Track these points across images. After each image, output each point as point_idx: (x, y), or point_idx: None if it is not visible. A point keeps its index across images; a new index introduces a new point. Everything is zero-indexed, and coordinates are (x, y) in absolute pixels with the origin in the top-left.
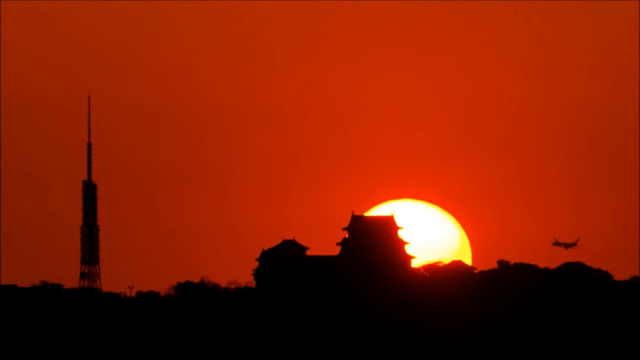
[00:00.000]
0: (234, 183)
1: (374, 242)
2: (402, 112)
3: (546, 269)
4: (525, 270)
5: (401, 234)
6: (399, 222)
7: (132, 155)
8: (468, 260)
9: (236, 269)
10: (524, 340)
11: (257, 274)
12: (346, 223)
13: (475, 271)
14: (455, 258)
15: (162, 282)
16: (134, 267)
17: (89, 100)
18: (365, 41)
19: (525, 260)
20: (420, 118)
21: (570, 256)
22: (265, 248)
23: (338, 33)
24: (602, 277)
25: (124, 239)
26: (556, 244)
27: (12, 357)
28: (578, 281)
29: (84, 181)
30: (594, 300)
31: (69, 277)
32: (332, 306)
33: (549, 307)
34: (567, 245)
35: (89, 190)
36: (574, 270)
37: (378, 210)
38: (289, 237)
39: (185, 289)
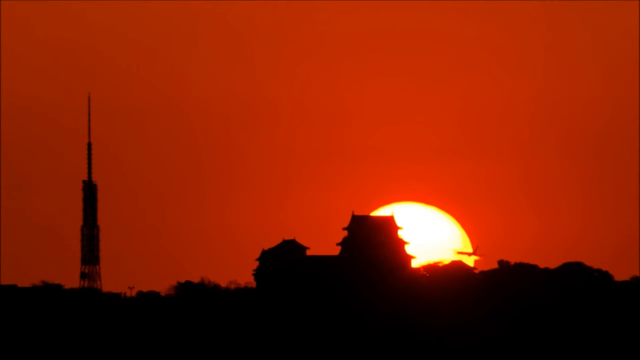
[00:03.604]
0: (234, 183)
1: (374, 242)
2: (402, 113)
3: (546, 269)
4: (525, 270)
5: (401, 234)
6: (399, 222)
7: (132, 155)
8: (470, 261)
9: (236, 269)
10: (524, 340)
11: (257, 274)
12: (346, 223)
13: (475, 271)
14: (457, 259)
15: (162, 282)
16: (134, 267)
17: (89, 100)
18: (365, 41)
19: (525, 260)
20: (420, 118)
21: (571, 256)
22: (265, 248)
23: (339, 33)
24: (602, 277)
25: (124, 239)
26: (459, 252)
27: (12, 357)
28: (578, 281)
29: (84, 181)
30: (594, 300)
31: (69, 277)
32: (332, 306)
33: (549, 307)
34: (470, 254)
35: (89, 190)
36: (574, 270)
37: (378, 212)
38: (289, 237)
39: (185, 289)
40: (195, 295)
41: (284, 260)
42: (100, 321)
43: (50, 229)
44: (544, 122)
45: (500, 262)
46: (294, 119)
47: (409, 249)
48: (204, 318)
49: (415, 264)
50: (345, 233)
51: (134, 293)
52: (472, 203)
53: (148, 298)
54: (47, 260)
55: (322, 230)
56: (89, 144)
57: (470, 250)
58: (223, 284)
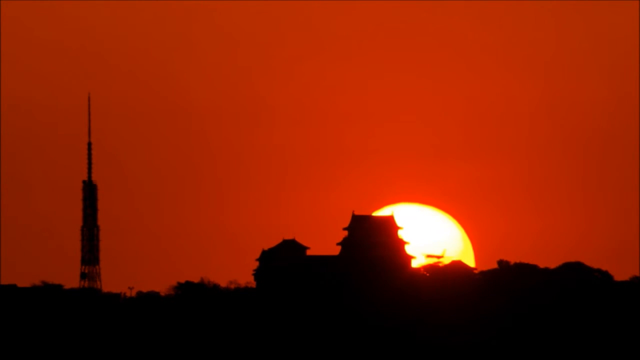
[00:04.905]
0: (234, 183)
1: (374, 242)
2: (402, 113)
3: (546, 269)
4: (525, 270)
5: (401, 234)
6: (399, 222)
7: (132, 155)
8: (471, 261)
9: (236, 269)
10: (524, 340)
11: (257, 274)
12: (346, 223)
13: (475, 271)
14: (457, 259)
15: (162, 282)
16: (134, 267)
17: (89, 100)
18: (365, 41)
19: (525, 260)
20: (421, 118)
21: (571, 256)
22: (265, 248)
23: (340, 32)
24: (602, 277)
25: (124, 239)
26: (429, 256)
27: (13, 357)
28: (578, 281)
29: (84, 181)
30: (594, 300)
31: (69, 277)
32: (332, 306)
33: (549, 307)
34: (438, 258)
35: (89, 190)
36: (574, 270)
37: (379, 213)
38: (289, 237)
39: (185, 289)
40: (195, 296)
41: (284, 260)
42: (100, 321)
43: (50, 229)
44: (544, 123)
45: (500, 262)
46: (294, 119)
47: (409, 249)
48: (204, 318)
49: (415, 264)
50: (346, 233)
51: (133, 293)
52: (472, 203)
53: (148, 298)
54: (47, 260)
55: (322, 230)
56: (89, 144)
57: (439, 254)
58: (223, 284)
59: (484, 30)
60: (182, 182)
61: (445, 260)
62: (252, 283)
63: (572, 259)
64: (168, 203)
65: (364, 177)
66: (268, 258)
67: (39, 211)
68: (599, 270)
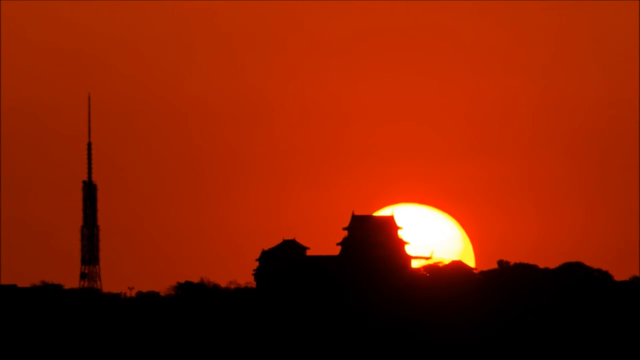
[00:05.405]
0: (234, 183)
1: (374, 242)
2: (403, 113)
3: (546, 269)
4: (525, 270)
5: (401, 234)
6: (399, 222)
7: (132, 155)
8: (471, 261)
9: (236, 269)
10: (524, 340)
11: (257, 274)
12: (346, 223)
13: (475, 271)
14: (458, 259)
15: (162, 282)
16: (134, 267)
17: (89, 100)
18: (365, 40)
19: (525, 260)
20: (420, 118)
21: (571, 256)
22: (265, 248)
23: (340, 32)
24: (602, 277)
25: (124, 239)
26: (416, 257)
27: (13, 357)
28: (578, 281)
29: (84, 181)
30: (594, 300)
31: (69, 277)
32: (332, 306)
33: (549, 307)
34: (427, 259)
35: (89, 190)
36: (574, 270)
37: (379, 213)
38: (289, 237)
39: (185, 289)
40: (195, 296)
41: (284, 260)
42: (100, 321)
43: (50, 229)
44: (544, 122)
45: (500, 262)
46: (294, 119)
47: (409, 249)
48: (204, 318)
49: (415, 264)
50: (345, 233)
51: (133, 293)
52: (472, 203)
53: (148, 298)
54: (47, 260)
55: (322, 230)
56: (89, 144)
57: (426, 255)
58: (223, 284)
59: (484, 30)
60: (181, 182)
61: (444, 261)
62: (252, 283)
63: (572, 259)
64: (168, 203)
65: (364, 177)
66: (268, 258)
67: (39, 211)
68: (599, 270)
